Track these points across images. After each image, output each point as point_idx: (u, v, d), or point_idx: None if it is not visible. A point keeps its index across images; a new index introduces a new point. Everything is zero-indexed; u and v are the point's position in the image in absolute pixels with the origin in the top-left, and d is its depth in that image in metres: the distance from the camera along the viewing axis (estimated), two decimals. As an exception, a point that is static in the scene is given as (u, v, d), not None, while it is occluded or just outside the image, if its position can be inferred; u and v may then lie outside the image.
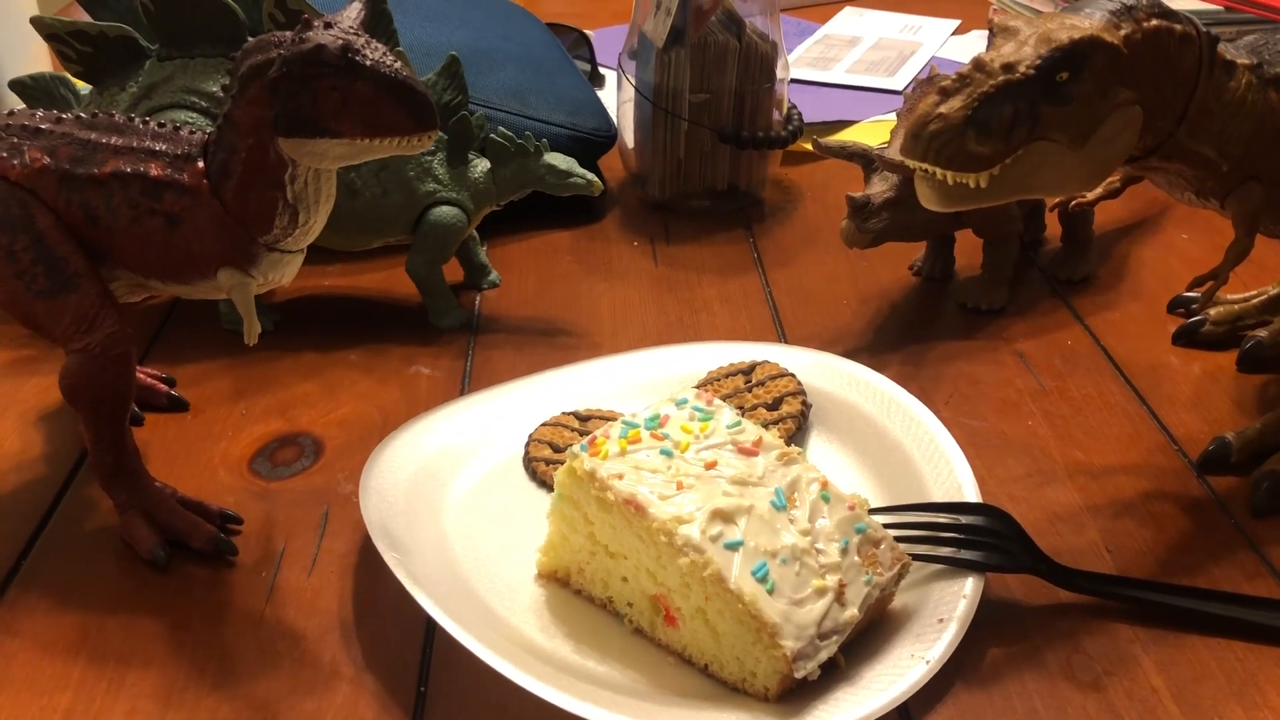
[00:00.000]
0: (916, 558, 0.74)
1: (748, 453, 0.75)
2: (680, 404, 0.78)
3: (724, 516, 0.70)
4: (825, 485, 0.74)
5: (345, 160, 0.71)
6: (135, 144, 0.74)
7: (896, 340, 1.02)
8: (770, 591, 0.67)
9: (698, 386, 0.93)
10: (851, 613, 0.69)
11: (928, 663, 0.68)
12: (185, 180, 0.73)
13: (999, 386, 0.96)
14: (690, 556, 0.68)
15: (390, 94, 0.68)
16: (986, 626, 0.73)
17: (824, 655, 0.67)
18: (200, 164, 0.73)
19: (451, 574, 0.75)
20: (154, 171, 0.73)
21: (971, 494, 0.80)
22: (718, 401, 0.79)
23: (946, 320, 1.08)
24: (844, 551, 0.71)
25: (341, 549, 0.81)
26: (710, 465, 0.73)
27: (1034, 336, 1.03)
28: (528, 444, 0.89)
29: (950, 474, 0.82)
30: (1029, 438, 0.91)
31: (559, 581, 0.77)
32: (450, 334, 1.06)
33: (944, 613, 0.71)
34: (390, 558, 0.72)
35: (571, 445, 0.86)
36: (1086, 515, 0.85)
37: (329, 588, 0.78)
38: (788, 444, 0.78)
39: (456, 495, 0.84)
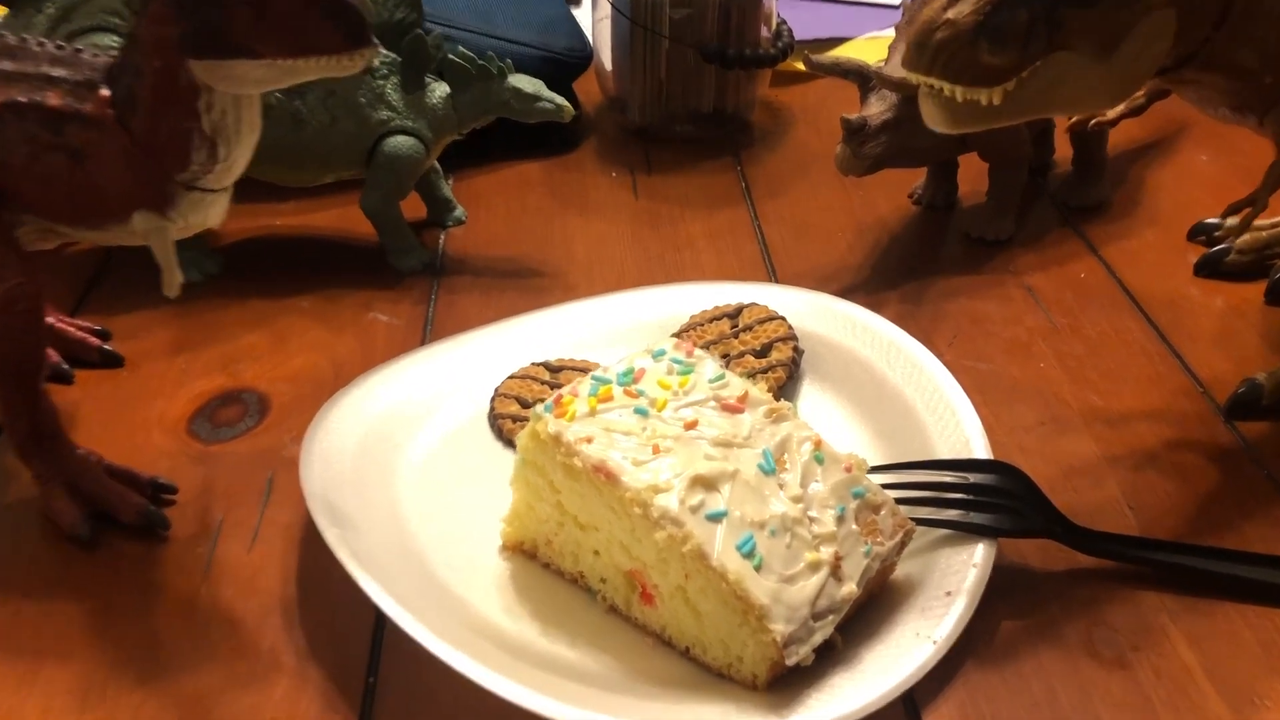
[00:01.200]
0: (921, 522, 0.67)
1: (732, 410, 0.67)
2: (657, 356, 0.70)
3: (705, 484, 0.62)
4: (819, 445, 0.66)
5: (267, 85, 0.62)
6: (30, 69, 0.65)
7: (895, 276, 0.94)
8: (758, 567, 0.59)
9: (680, 332, 0.85)
10: (849, 588, 0.61)
11: (934, 643, 0.61)
12: (88, 110, 0.64)
13: (1007, 325, 0.89)
14: (668, 530, 0.60)
15: (314, 6, 0.59)
16: (998, 597, 0.66)
17: (819, 638, 0.60)
18: (105, 91, 0.64)
19: (404, 549, 0.68)
20: (52, 101, 0.64)
21: (980, 448, 0.72)
22: (699, 352, 0.71)
23: (949, 252, 1.00)
24: (840, 519, 0.63)
25: (286, 519, 0.73)
26: (690, 425, 0.65)
27: (1043, 269, 0.95)
28: (493, 399, 0.81)
29: (956, 426, 0.74)
30: (1040, 381, 0.84)
31: (525, 554, 0.70)
32: (411, 277, 0.98)
33: (951, 584, 0.64)
34: (331, 535, 0.64)
35: (541, 400, 0.78)
36: (1105, 468, 0.77)
37: (271, 564, 0.70)
38: (777, 397, 0.70)
39: (413, 458, 0.76)
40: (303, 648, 0.65)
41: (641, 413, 0.66)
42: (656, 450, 0.63)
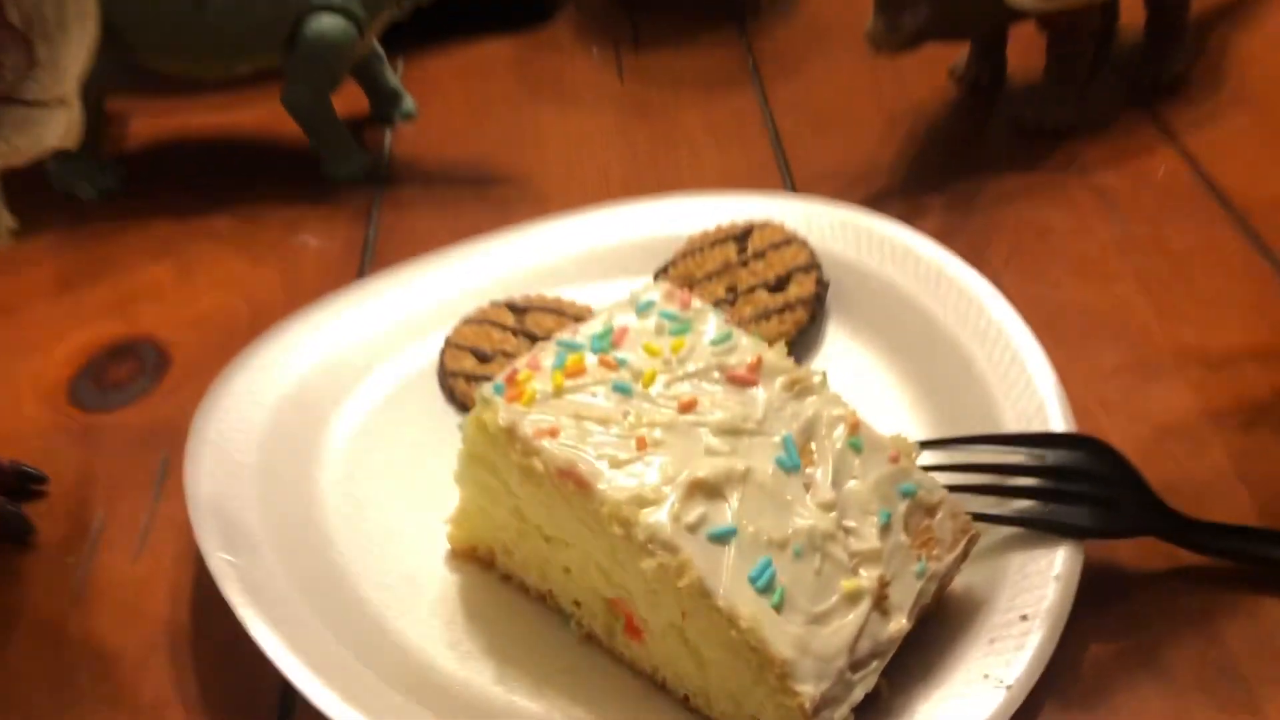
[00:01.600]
0: (984, 519, 0.52)
1: (742, 383, 0.51)
2: (643, 309, 0.54)
3: (708, 490, 0.47)
4: (856, 427, 0.50)
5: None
6: None
7: (936, 176, 0.79)
8: (778, 606, 0.45)
9: (675, 260, 0.68)
10: (898, 624, 0.47)
11: (1008, 688, 0.46)
12: None
13: (1074, 237, 0.73)
14: (658, 558, 0.45)
15: None
16: (1085, 615, 0.51)
17: (859, 693, 0.46)
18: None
19: (322, 566, 0.53)
20: None
21: (1057, 415, 0.57)
22: (698, 303, 0.55)
23: (999, 145, 0.84)
24: (885, 530, 0.48)
25: (184, 516, 0.58)
26: (687, 406, 0.50)
27: (1115, 165, 0.79)
28: (444, 351, 0.65)
29: (1025, 383, 0.58)
30: (1120, 310, 0.68)
31: (479, 562, 0.55)
32: (349, 188, 0.81)
33: (1028, 604, 0.50)
34: (216, 561, 0.50)
35: (504, 354, 0.62)
36: (1207, 425, 0.62)
37: (160, 580, 0.56)
38: (794, 347, 0.54)
39: (341, 431, 0.61)
40: (194, 696, 0.51)
41: (623, 390, 0.50)
42: (642, 444, 0.48)
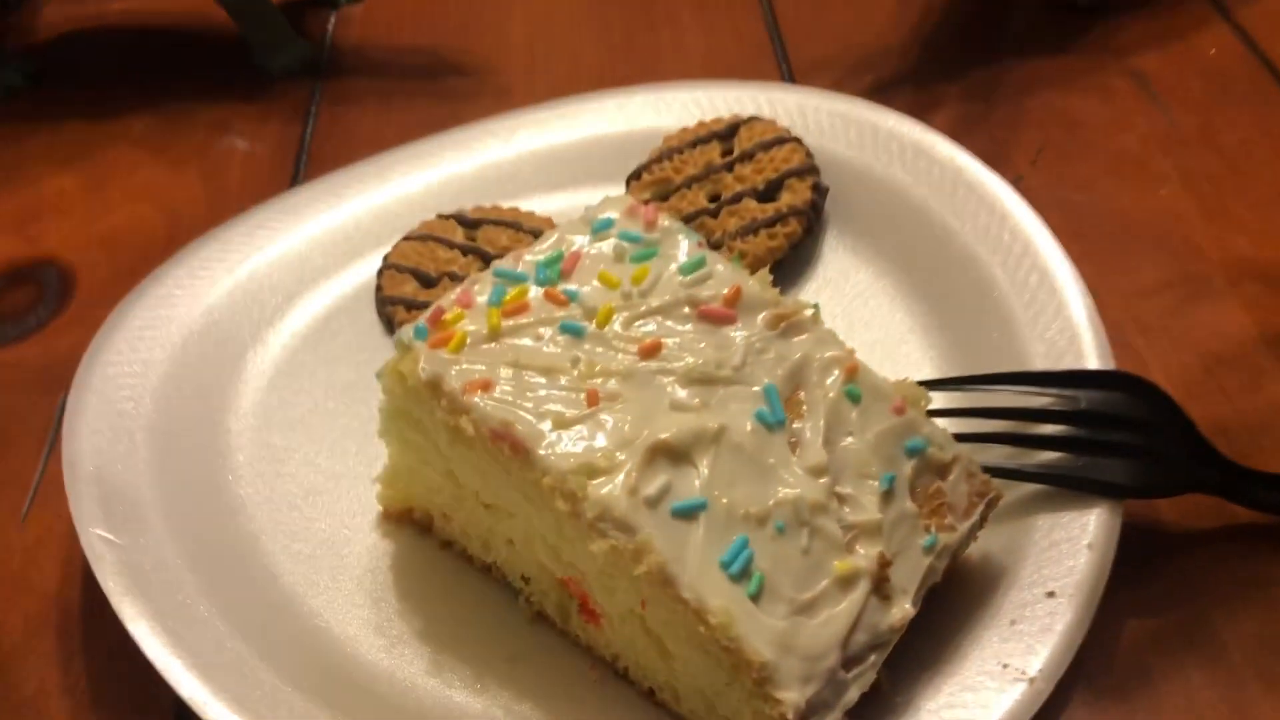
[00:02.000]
0: (1004, 475, 0.44)
1: (717, 319, 0.43)
2: (599, 229, 0.45)
3: (672, 455, 0.39)
4: (853, 371, 0.42)
5: None
6: None
7: (953, 61, 0.70)
8: (756, 595, 0.37)
9: (651, 163, 0.59)
10: (902, 611, 0.39)
11: (1030, 680, 0.39)
12: None
13: (1111, 131, 0.65)
14: (610, 539, 0.37)
15: None
16: (1121, 586, 0.44)
17: (854, 694, 0.38)
18: None
19: (226, 536, 0.46)
20: None
21: (1091, 346, 0.48)
22: (665, 221, 0.46)
23: (1025, 23, 0.74)
24: (887, 497, 0.40)
25: (80, 471, 0.51)
26: (650, 350, 0.41)
27: (1157, 45, 0.71)
28: (381, 273, 0.57)
29: (1056, 308, 0.50)
30: (1163, 218, 0.60)
31: (416, 525, 0.47)
32: (284, 83, 0.72)
33: (1054, 578, 0.42)
34: (91, 539, 0.42)
35: (450, 274, 0.54)
36: (1264, 354, 0.54)
37: (50, 549, 0.49)
38: (774, 270, 0.46)
39: (260, 371, 0.53)
40: (82, 689, 0.44)
41: (572, 332, 0.42)
42: (594, 399, 0.40)
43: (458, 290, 0.43)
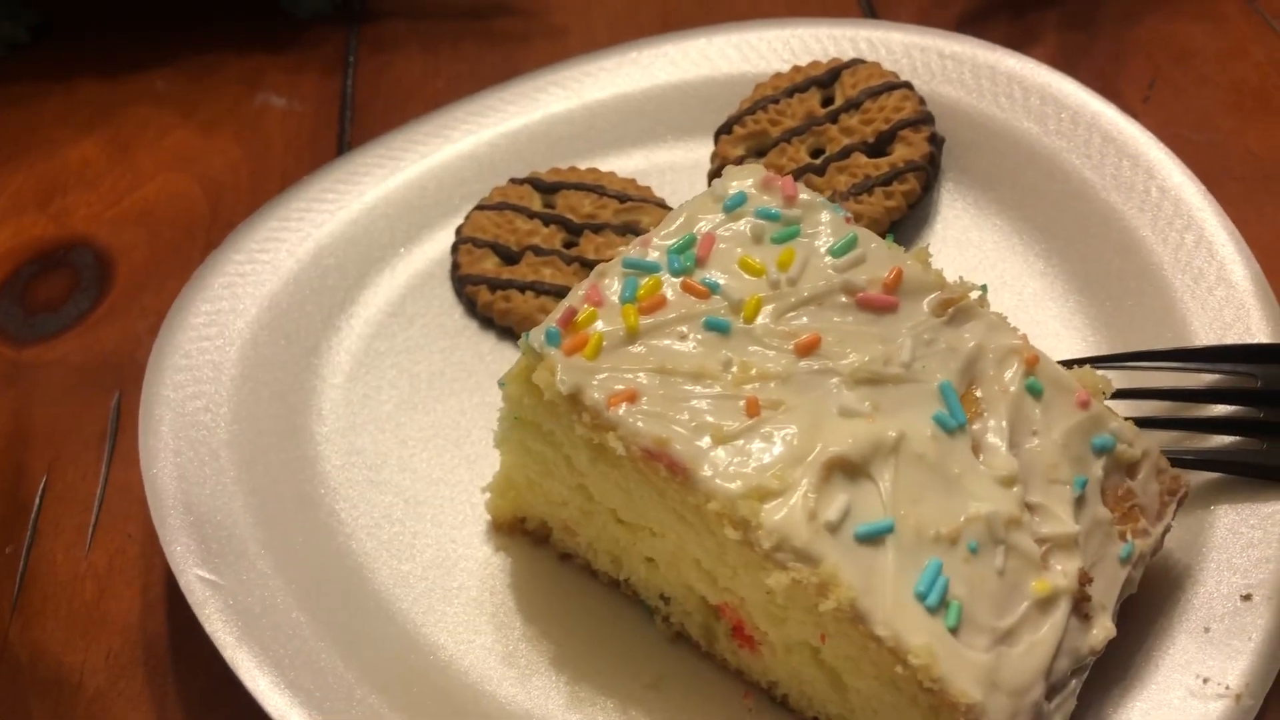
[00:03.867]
0: (1184, 463, 0.40)
1: (878, 307, 0.38)
2: (732, 206, 0.40)
3: (849, 470, 0.35)
4: (1034, 363, 0.38)
5: None
6: None
7: None
8: (955, 628, 0.33)
9: (740, 116, 0.54)
10: (1104, 629, 0.36)
11: (1236, 695, 0.36)
12: None
13: (1225, 61, 0.61)
14: (792, 571, 0.33)
15: None
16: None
17: (1057, 723, 0.34)
18: None
19: (325, 558, 0.41)
20: None
21: (1260, 313, 0.44)
22: (805, 194, 0.41)
23: None
24: (1080, 504, 0.36)
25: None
26: (807, 346, 0.37)
27: None
28: (456, 248, 0.52)
29: (1217, 275, 0.45)
30: None
31: (530, 537, 0.43)
32: (318, 27, 0.65)
33: (1249, 577, 0.38)
34: (194, 584, 0.37)
35: (532, 248, 0.49)
36: None
37: (125, 574, 0.44)
38: (889, 229, 0.41)
39: (337, 364, 0.48)
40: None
41: (718, 329, 0.37)
42: (754, 408, 0.35)
43: (585, 285, 0.38)
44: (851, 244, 0.39)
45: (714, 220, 0.40)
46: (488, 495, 0.42)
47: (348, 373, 0.48)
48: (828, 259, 0.39)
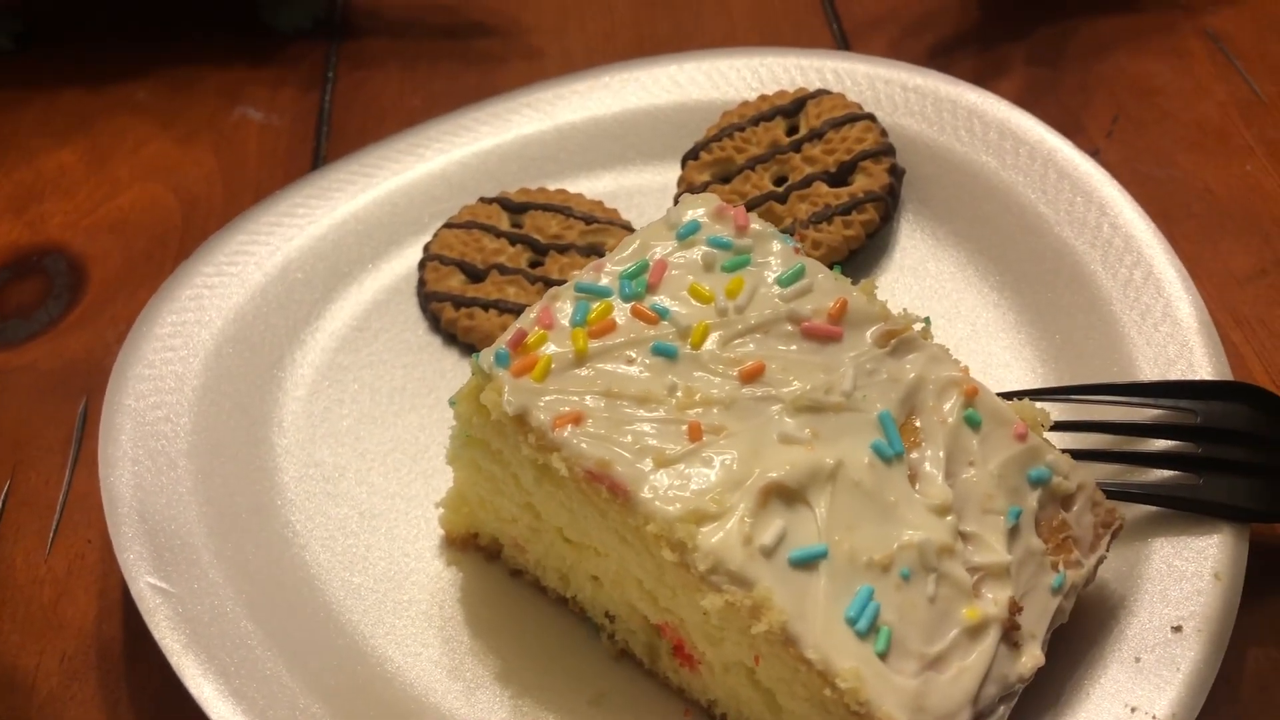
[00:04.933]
0: (1121, 496, 0.41)
1: (822, 336, 0.39)
2: (685, 235, 0.41)
3: (786, 495, 0.35)
4: (973, 394, 0.38)
5: None
6: None
7: (1015, 17, 0.67)
8: (884, 653, 0.34)
9: (708, 141, 0.55)
10: (1032, 658, 0.36)
11: (1162, 726, 0.37)
12: None
13: (1188, 98, 0.62)
14: (726, 594, 0.34)
15: None
16: (1251, 617, 0.41)
17: (984, 750, 0.35)
18: None
19: (279, 567, 0.42)
20: None
21: (1203, 352, 0.45)
22: (757, 224, 0.42)
23: None
24: (1013, 534, 0.37)
25: (108, 487, 0.47)
26: (752, 373, 0.38)
27: (1229, 1, 0.63)
28: (423, 265, 0.52)
29: (1163, 311, 0.46)
30: (1251, 196, 0.58)
31: (482, 552, 0.44)
32: (297, 43, 0.66)
33: (1182, 610, 0.39)
34: (145, 592, 0.38)
35: (497, 266, 0.50)
36: (1371, 347, 0.50)
37: (83, 579, 0.45)
38: (845, 259, 0.42)
39: (300, 377, 0.49)
40: (129, 736, 0.40)
41: (665, 354, 0.38)
42: (696, 432, 0.36)
43: (537, 308, 0.39)
44: (799, 274, 0.40)
45: (667, 247, 0.41)
46: (441, 510, 0.43)
47: (310, 385, 0.48)
48: (775, 288, 0.40)
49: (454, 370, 0.50)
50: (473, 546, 0.44)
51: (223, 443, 0.45)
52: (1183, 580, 0.40)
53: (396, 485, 0.45)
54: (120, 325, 0.53)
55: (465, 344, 0.50)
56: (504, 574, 0.43)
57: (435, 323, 0.51)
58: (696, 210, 0.42)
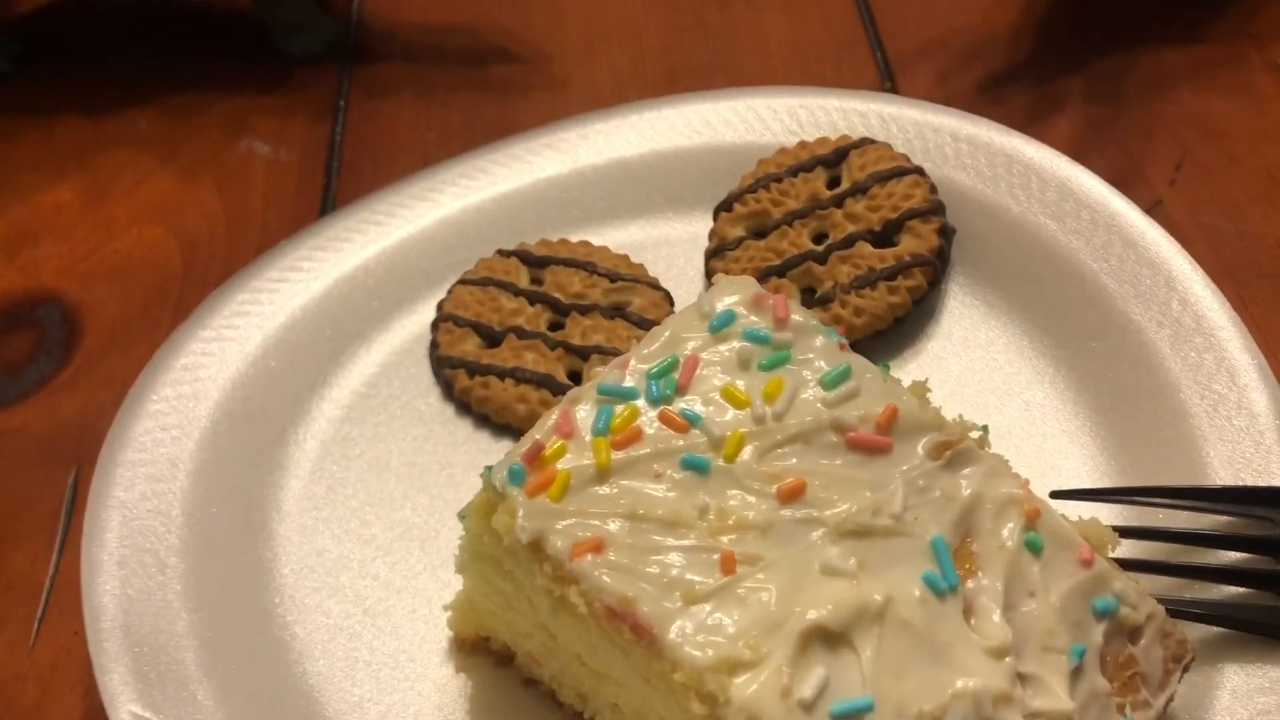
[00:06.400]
0: (1183, 614, 0.37)
1: (869, 448, 0.35)
2: (719, 326, 0.37)
3: (829, 640, 0.32)
4: (1034, 516, 0.35)
5: None
6: None
7: (1069, 49, 0.63)
8: (935, 820, 0.30)
9: (742, 192, 0.51)
10: (1096, 818, 0.33)
11: None
12: None
13: (1259, 141, 0.59)
14: (759, 754, 0.31)
15: None
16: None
17: None
18: None
19: (280, 686, 0.39)
20: None
21: (1278, 446, 0.41)
22: (799, 315, 0.38)
23: (1152, 6, 0.63)
24: (1076, 675, 0.34)
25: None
26: (792, 492, 0.34)
27: None
28: (436, 325, 0.49)
29: (1238, 403, 0.42)
30: None
31: (494, 657, 0.41)
32: (308, 68, 0.63)
33: (1259, 750, 0.35)
34: (120, 701, 0.35)
35: (514, 329, 0.47)
36: None
37: (68, 676, 0.42)
38: (886, 328, 0.38)
39: (304, 450, 0.46)
40: None
41: (696, 467, 0.34)
42: (729, 564, 0.33)
43: (556, 413, 0.35)
44: (844, 375, 0.36)
45: (699, 341, 0.37)
46: (449, 614, 0.40)
47: (314, 462, 0.45)
48: (818, 390, 0.36)
49: (467, 444, 0.47)
50: (483, 650, 0.41)
51: (218, 536, 0.41)
52: (1259, 715, 0.37)
53: (403, 579, 0.42)
54: (115, 386, 0.50)
55: (480, 414, 0.47)
56: (517, 682, 0.40)
57: (449, 389, 0.48)
58: (732, 297, 0.38)
